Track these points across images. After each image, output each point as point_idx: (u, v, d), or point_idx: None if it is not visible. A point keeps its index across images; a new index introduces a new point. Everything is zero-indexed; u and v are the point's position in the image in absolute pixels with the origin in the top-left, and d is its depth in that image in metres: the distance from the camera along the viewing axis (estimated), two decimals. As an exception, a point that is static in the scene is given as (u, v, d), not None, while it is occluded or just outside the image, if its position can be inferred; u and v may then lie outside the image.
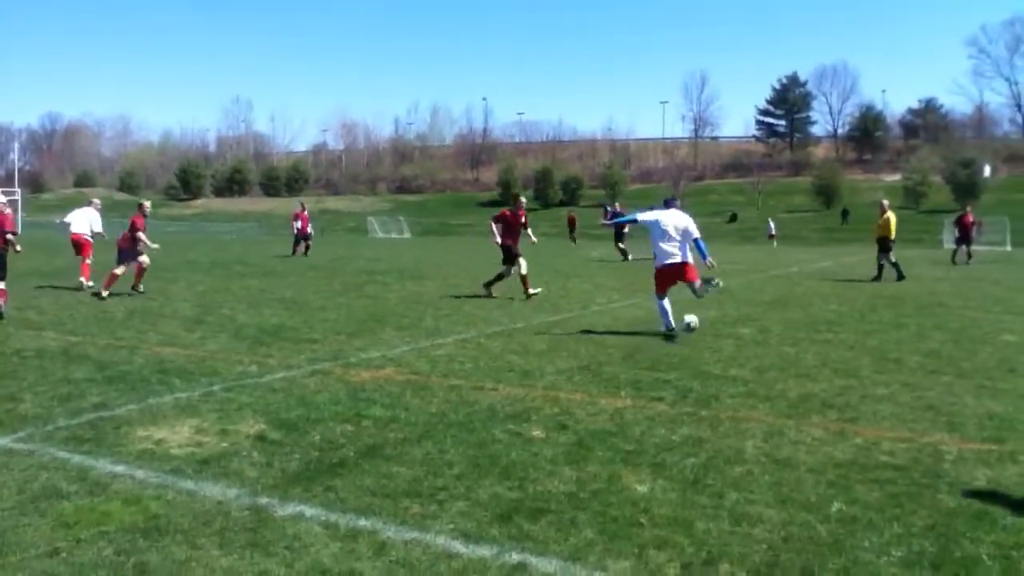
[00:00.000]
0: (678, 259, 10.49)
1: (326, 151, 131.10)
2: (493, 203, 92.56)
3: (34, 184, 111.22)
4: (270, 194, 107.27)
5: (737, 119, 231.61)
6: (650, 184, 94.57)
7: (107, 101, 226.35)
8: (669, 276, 10.58)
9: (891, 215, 19.90)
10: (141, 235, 14.46)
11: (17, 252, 12.16)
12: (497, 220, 15.29)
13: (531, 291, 14.69)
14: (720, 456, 5.36)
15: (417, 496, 4.54)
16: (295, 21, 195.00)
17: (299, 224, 29.71)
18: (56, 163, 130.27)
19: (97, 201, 18.15)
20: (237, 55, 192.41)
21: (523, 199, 16.25)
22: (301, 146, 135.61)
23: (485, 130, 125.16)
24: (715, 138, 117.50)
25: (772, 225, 56.75)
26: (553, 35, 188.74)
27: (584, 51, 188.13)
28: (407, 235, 72.10)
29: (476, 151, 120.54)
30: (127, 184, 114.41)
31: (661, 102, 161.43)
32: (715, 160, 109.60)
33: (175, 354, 8.74)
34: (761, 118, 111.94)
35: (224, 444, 5.52)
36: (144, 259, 14.56)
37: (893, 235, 19.59)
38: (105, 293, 13.86)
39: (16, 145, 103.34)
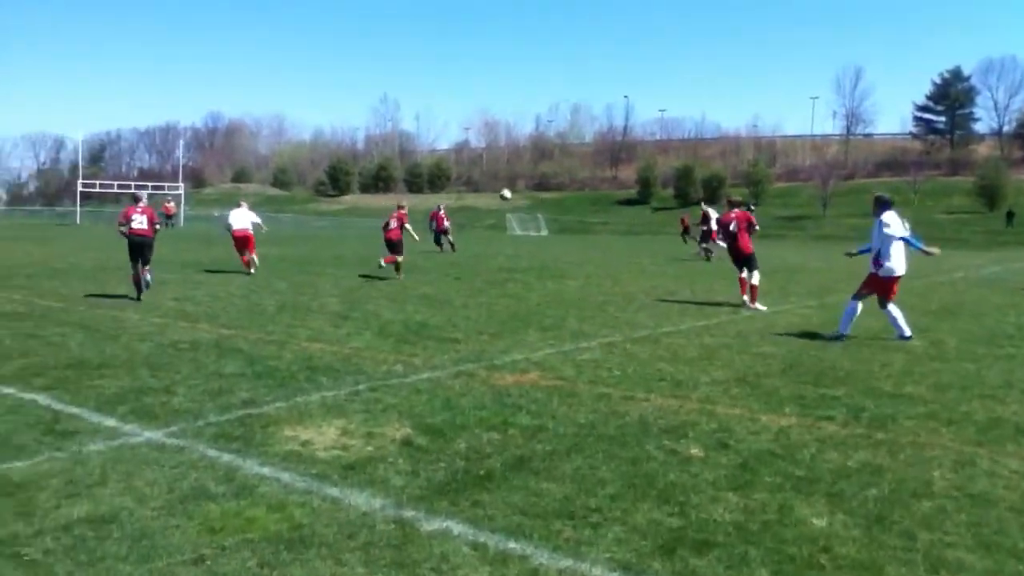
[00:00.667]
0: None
1: (468, 149, 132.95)
2: (630, 201, 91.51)
3: (196, 179, 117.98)
4: (413, 191, 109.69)
5: (892, 115, 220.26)
6: (796, 183, 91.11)
7: (264, 101, 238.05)
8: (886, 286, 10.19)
9: None
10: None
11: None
12: (727, 221, 13.81)
13: (755, 305, 13.19)
14: (904, 488, 4.78)
15: (569, 518, 4.21)
16: (441, 23, 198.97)
17: (435, 224, 31.47)
18: (216, 160, 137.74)
19: (244, 203, 19.97)
20: (386, 56, 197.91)
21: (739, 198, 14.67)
22: (444, 144, 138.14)
23: (626, 128, 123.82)
24: (868, 135, 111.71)
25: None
26: (697, 31, 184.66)
27: (729, 47, 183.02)
28: (544, 232, 72.08)
29: (616, 149, 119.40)
30: (280, 180, 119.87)
31: (811, 97, 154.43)
32: (868, 158, 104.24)
33: (322, 350, 8.77)
34: (919, 114, 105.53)
35: (369, 448, 5.37)
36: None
37: None
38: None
39: (180, 143, 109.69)
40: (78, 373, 7.50)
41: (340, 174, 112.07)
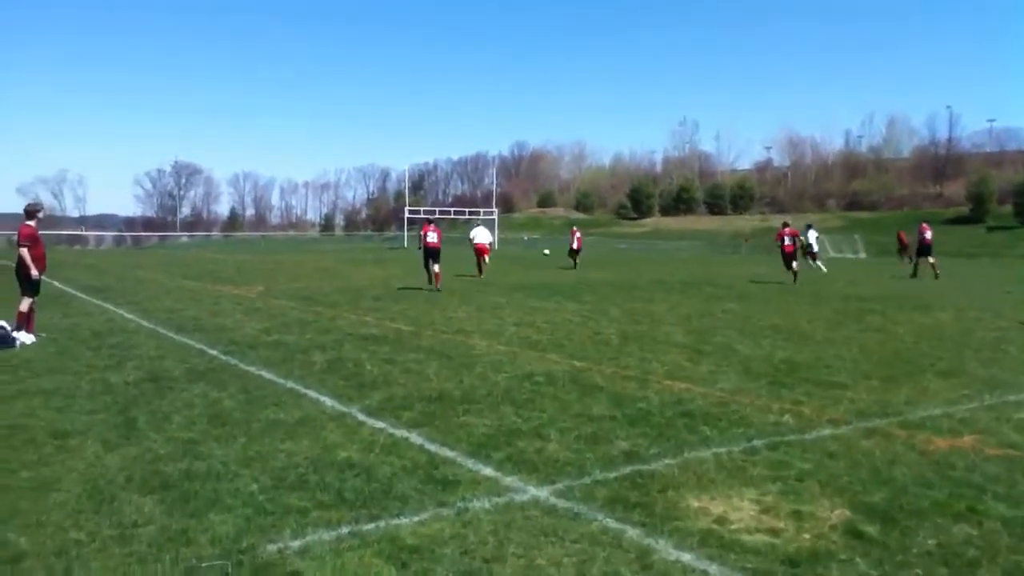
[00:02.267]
0: None
1: (771, 168, 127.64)
2: (959, 220, 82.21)
3: (505, 205, 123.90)
4: (714, 212, 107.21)
5: None
6: None
7: (566, 129, 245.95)
8: None
9: None
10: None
11: None
12: None
13: None
14: None
15: None
16: (739, 40, 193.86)
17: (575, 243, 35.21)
18: (522, 186, 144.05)
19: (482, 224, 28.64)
20: (684, 78, 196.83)
21: None
22: (745, 164, 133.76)
23: (950, 140, 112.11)
24: None
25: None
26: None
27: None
28: (862, 255, 66.74)
29: (939, 164, 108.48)
30: (582, 204, 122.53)
31: None
32: None
33: (689, 391, 7.79)
34: None
35: (806, 536, 4.26)
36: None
37: None
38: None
39: (493, 171, 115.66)
40: (443, 408, 7.14)
41: (641, 197, 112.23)
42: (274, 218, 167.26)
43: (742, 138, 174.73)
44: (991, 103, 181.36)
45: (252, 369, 9.11)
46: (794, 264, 24.73)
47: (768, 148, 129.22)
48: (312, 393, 7.80)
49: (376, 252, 52.72)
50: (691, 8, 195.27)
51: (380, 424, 6.58)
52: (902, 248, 43.61)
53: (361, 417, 6.83)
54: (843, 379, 8.48)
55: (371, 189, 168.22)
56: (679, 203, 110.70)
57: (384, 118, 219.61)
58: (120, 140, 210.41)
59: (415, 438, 6.15)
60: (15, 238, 11.90)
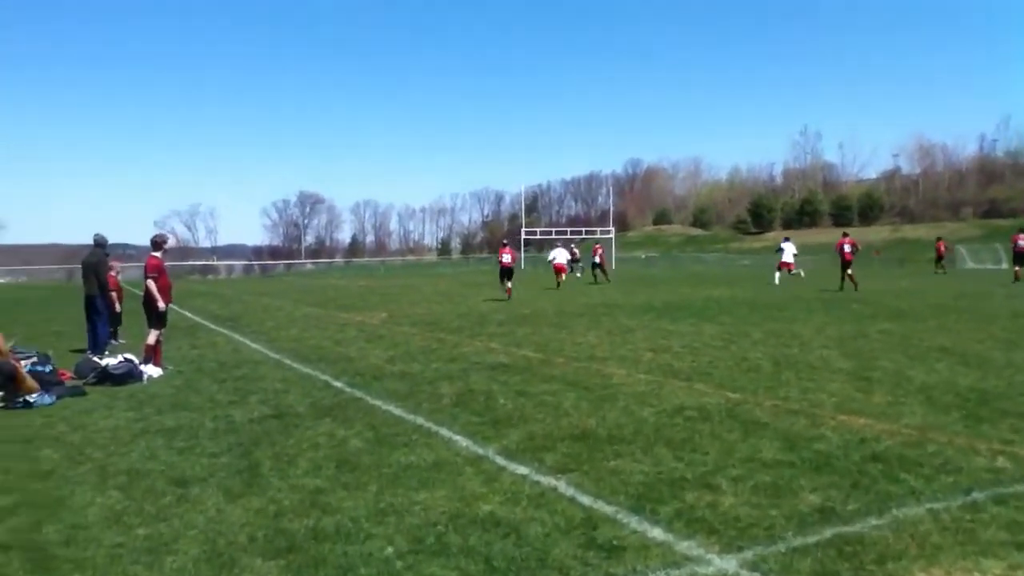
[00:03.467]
0: None
1: (899, 176, 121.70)
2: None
3: (620, 223, 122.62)
4: (840, 224, 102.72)
5: None
6: None
7: (680, 144, 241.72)
8: None
9: None
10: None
11: None
12: None
13: None
14: None
15: None
16: (860, 44, 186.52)
17: (596, 258, 38.05)
18: (637, 203, 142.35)
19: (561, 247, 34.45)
20: (806, 86, 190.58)
21: None
22: (871, 173, 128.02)
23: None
24: None
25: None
26: None
27: None
28: (1004, 265, 62.25)
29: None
30: (699, 220, 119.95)
31: None
32: None
33: (871, 428, 6.76)
34: None
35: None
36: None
37: None
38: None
39: (605, 189, 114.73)
40: (589, 449, 6.37)
41: (763, 210, 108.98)
42: (393, 244, 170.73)
43: (867, 147, 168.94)
44: None
45: (379, 403, 8.58)
46: (848, 271, 26.15)
47: (896, 156, 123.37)
48: (444, 431, 7.17)
49: (493, 275, 52.45)
50: (807, 13, 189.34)
51: (522, 469, 5.86)
52: (939, 258, 45.61)
53: (500, 461, 6.13)
54: (1057, 411, 7.26)
55: (486, 212, 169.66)
56: (803, 216, 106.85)
57: (497, 141, 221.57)
58: (248, 173, 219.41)
59: (564, 487, 5.41)
60: (143, 270, 11.87)
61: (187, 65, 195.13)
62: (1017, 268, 31.66)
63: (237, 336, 15.97)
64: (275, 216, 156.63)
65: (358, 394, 9.18)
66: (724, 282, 34.81)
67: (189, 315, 21.87)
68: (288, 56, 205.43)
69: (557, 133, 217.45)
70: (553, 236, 75.50)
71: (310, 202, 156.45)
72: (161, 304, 11.54)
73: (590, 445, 6.49)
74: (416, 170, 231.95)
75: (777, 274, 32.41)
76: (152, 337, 11.53)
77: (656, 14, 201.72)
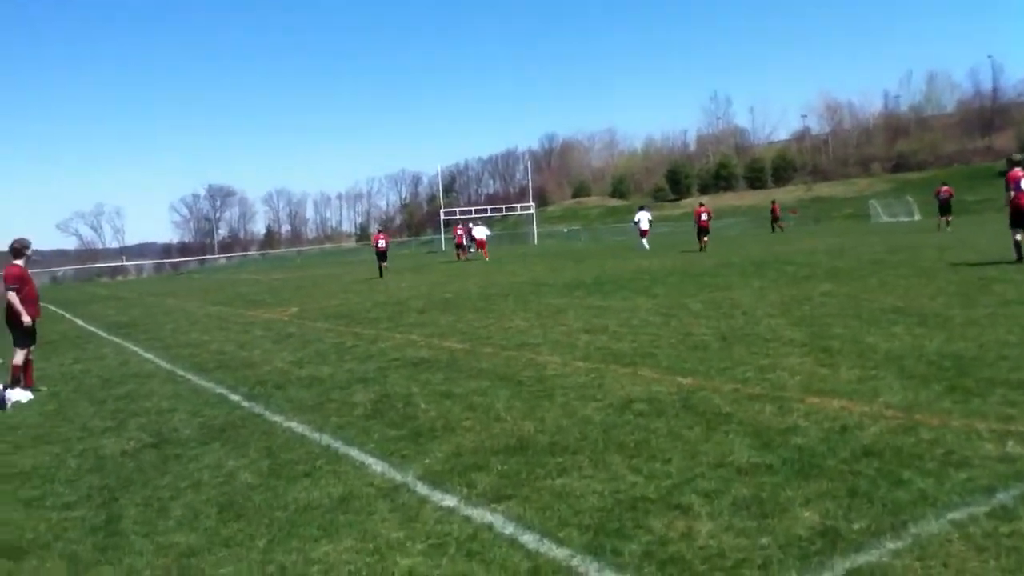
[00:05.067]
0: None
1: (809, 136, 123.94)
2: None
3: (540, 198, 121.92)
4: (756, 187, 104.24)
5: None
6: None
7: (594, 117, 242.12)
8: None
9: None
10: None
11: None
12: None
13: None
14: None
15: None
16: (769, 9, 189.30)
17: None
18: (555, 178, 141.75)
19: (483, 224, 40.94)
20: (714, 53, 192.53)
21: None
22: (783, 135, 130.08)
23: (995, 91, 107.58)
24: None
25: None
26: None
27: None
28: (917, 217, 63.63)
29: (986, 116, 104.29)
30: (618, 191, 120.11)
31: None
32: None
33: (848, 412, 5.85)
34: None
35: None
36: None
37: None
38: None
39: (523, 165, 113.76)
40: (529, 464, 5.30)
41: (680, 177, 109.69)
42: (310, 232, 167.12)
43: (777, 109, 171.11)
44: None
45: (279, 419, 7.36)
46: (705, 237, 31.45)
47: (804, 116, 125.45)
48: (354, 452, 6.01)
49: (414, 258, 51.09)
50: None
51: (449, 500, 4.76)
52: (775, 218, 50.84)
53: (422, 489, 5.02)
54: (1040, 378, 6.48)
55: (404, 195, 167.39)
56: (719, 180, 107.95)
57: (410, 123, 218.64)
58: (154, 169, 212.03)
59: (501, 523, 4.33)
60: (2, 280, 10.33)
61: (81, 61, 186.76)
62: (941, 218, 34.72)
63: (130, 345, 14.42)
64: (185, 212, 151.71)
65: (256, 409, 7.94)
66: (648, 252, 34.20)
67: (81, 323, 20.05)
68: (186, 45, 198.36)
69: (471, 112, 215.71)
70: (473, 215, 74.38)
71: (220, 195, 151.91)
72: (27, 318, 10.03)
73: (529, 458, 5.43)
74: (330, 156, 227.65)
75: (643, 240, 35.82)
76: (19, 356, 10.04)
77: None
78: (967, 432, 5.15)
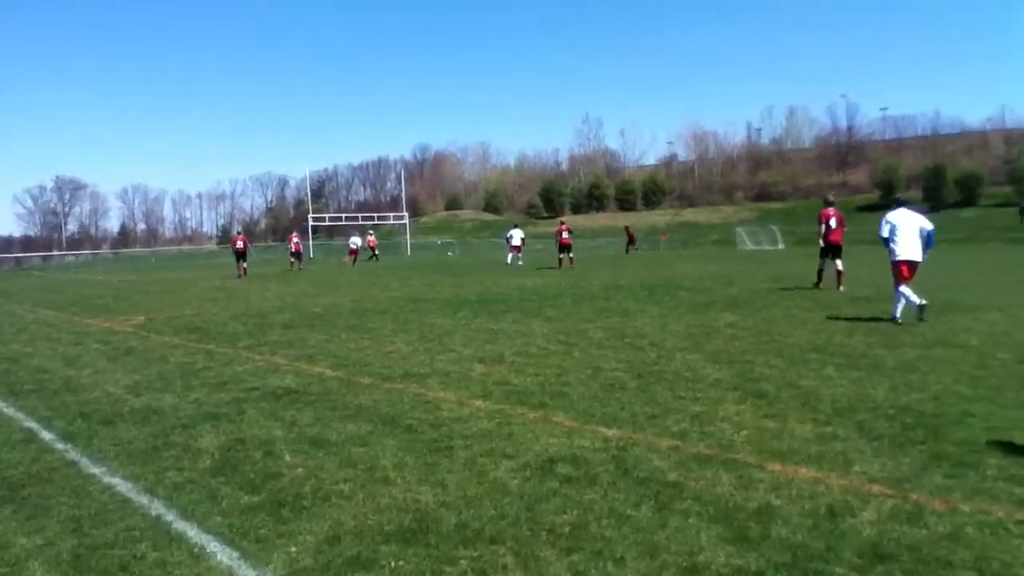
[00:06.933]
0: None
1: (676, 163, 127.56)
2: (871, 207, 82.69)
3: (413, 208, 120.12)
4: (625, 208, 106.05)
5: None
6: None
7: (469, 130, 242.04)
8: None
9: None
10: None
11: None
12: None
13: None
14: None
15: None
16: (639, 35, 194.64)
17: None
18: (428, 188, 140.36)
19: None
20: (587, 75, 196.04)
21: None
22: (651, 159, 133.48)
23: (850, 128, 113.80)
24: None
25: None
26: (922, 18, 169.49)
27: (962, 32, 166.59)
28: (781, 246, 65.85)
29: (841, 152, 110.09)
30: (491, 205, 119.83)
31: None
32: None
33: (825, 487, 4.75)
34: None
35: None
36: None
37: None
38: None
39: (394, 175, 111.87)
40: (435, 561, 3.92)
41: (553, 195, 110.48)
42: (167, 232, 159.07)
43: (647, 134, 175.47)
44: (883, 92, 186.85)
45: (99, 472, 5.67)
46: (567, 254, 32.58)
47: (671, 143, 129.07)
48: (193, 533, 4.45)
49: (280, 264, 48.32)
50: (587, 4, 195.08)
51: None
52: (630, 241, 54.94)
53: (287, 605, 3.55)
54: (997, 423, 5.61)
55: (269, 198, 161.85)
56: (591, 200, 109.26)
57: (279, 125, 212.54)
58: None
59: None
60: None
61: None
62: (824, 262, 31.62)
63: (-70, 357, 12.04)
64: (30, 204, 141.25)
65: (72, 454, 6.19)
66: (524, 269, 33.28)
67: None
68: (36, 28, 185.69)
69: (343, 117, 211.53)
70: (344, 223, 71.94)
71: (69, 188, 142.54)
72: None
73: (433, 550, 4.04)
74: (190, 153, 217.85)
75: (510, 255, 36.90)
76: None
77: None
78: (987, 523, 4.12)
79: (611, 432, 6.15)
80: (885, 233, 12.10)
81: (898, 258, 11.86)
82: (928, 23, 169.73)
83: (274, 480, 5.32)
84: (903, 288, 11.70)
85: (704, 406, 6.88)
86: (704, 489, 4.78)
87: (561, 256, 32.67)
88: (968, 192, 79.08)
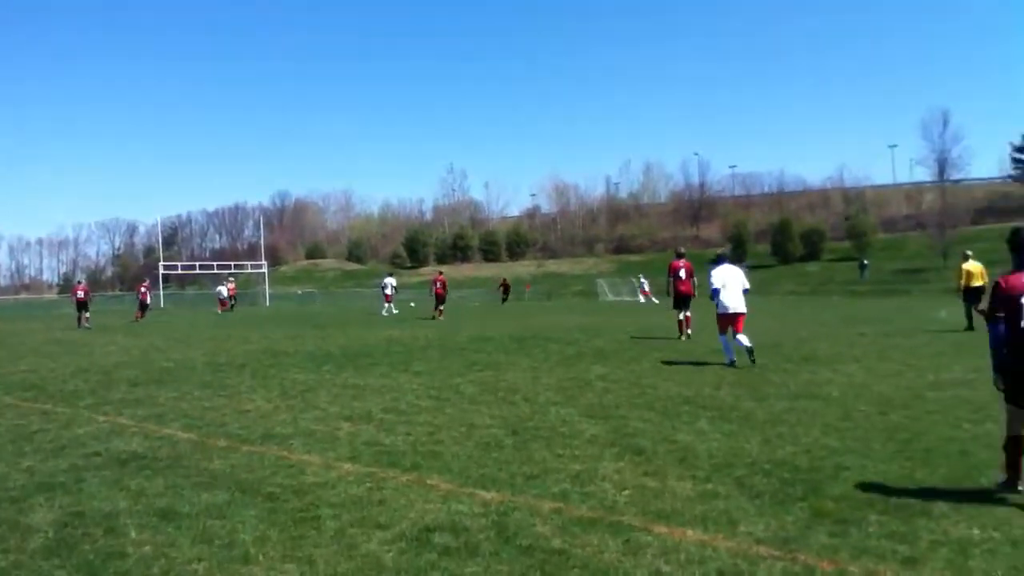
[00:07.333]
0: None
1: (539, 215, 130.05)
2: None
3: (272, 257, 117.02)
4: (490, 259, 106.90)
5: (988, 159, 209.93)
6: (896, 233, 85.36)
7: (330, 178, 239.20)
8: None
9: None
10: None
11: None
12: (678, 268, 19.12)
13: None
14: None
15: None
16: (504, 89, 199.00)
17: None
18: (288, 237, 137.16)
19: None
20: (452, 126, 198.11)
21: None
22: (515, 211, 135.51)
23: (702, 185, 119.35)
24: (957, 182, 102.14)
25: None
26: (768, 83, 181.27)
27: (805, 97, 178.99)
28: (641, 299, 67.74)
29: (695, 207, 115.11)
30: (354, 254, 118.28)
31: (890, 146, 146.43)
32: (969, 204, 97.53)
33: (712, 550, 4.61)
34: (1018, 155, 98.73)
35: None
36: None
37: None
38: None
39: (252, 222, 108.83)
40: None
41: (417, 245, 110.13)
42: (3, 280, 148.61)
43: (510, 185, 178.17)
44: (732, 150, 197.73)
45: (-98, 562, 4.89)
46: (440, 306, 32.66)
47: (533, 195, 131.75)
48: (16, 636, 3.84)
49: (127, 315, 45.65)
50: (451, 56, 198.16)
51: None
52: (505, 292, 60.25)
53: None
54: (904, 486, 5.68)
55: (117, 245, 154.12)
56: (456, 250, 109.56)
57: (127, 169, 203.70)
58: None
59: None
60: None
61: None
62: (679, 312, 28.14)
63: None
64: None
65: None
66: (392, 320, 32.71)
67: None
68: None
69: (197, 163, 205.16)
70: (198, 271, 69.11)
71: None
72: None
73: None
74: (30, 196, 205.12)
75: (386, 306, 38.26)
76: None
77: (294, 47, 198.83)
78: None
79: (490, 495, 5.85)
80: (717, 285, 13.28)
81: (727, 311, 13.19)
82: (775, 86, 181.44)
83: (118, 561, 4.73)
84: (724, 337, 13.25)
85: (583, 464, 6.70)
86: (591, 556, 4.55)
87: (440, 307, 32.63)
88: (812, 246, 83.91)
